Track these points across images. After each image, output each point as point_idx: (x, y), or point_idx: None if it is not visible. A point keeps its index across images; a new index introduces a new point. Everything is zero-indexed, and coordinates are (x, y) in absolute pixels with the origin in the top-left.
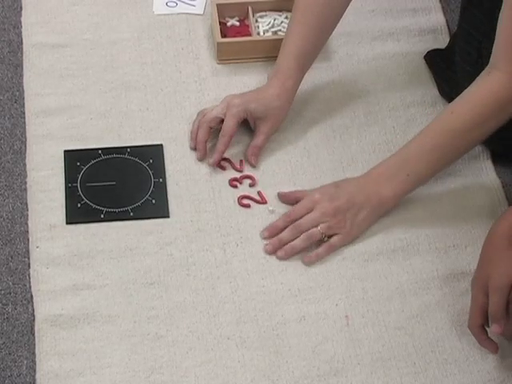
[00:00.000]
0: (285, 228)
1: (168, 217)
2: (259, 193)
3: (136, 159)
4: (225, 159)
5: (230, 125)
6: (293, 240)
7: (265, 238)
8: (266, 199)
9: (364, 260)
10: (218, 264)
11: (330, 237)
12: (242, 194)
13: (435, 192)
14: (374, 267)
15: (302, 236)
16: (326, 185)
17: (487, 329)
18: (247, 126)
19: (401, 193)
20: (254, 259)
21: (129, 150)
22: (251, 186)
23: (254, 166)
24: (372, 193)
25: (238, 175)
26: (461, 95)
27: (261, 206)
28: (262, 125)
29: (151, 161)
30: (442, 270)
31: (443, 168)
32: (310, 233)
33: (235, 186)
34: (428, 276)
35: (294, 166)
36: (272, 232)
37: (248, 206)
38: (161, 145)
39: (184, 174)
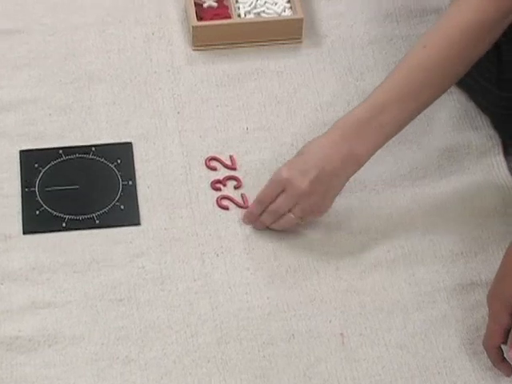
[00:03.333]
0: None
1: (139, 224)
2: (243, 196)
3: (102, 160)
4: (214, 158)
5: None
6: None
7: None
8: (249, 204)
9: (361, 271)
10: (195, 277)
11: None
12: (222, 194)
13: (440, 192)
14: (372, 279)
15: (276, 224)
16: (292, 159)
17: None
18: (234, 118)
19: (374, 147)
20: (237, 271)
21: (93, 149)
22: (236, 188)
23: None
24: (345, 154)
25: (221, 177)
26: (433, 27)
27: (243, 210)
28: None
29: (119, 161)
30: (448, 281)
31: (419, 111)
32: (284, 220)
33: (219, 189)
34: (433, 288)
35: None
36: (251, 219)
37: (227, 207)
38: (130, 143)
39: (156, 175)
